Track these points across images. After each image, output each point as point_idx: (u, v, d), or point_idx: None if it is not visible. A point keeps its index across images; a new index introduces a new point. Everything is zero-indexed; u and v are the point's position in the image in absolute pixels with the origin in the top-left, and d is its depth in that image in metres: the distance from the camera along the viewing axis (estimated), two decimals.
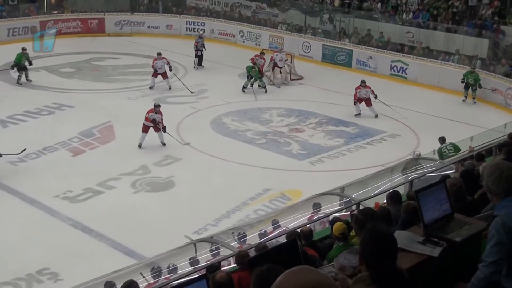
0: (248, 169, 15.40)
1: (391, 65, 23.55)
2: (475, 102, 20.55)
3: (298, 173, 15.26)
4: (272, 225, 10.09)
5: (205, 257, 8.54)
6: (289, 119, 19.00)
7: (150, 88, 21.44)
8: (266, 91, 21.34)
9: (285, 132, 17.93)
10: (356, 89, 19.33)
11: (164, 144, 16.55)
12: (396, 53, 23.71)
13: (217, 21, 29.24)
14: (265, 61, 22.49)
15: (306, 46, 26.15)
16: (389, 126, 18.56)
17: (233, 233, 9.72)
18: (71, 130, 17.39)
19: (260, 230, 10.05)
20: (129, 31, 29.56)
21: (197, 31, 28.78)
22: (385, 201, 8.43)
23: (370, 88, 19.21)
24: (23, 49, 21.85)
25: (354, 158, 16.28)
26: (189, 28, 29.50)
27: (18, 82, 21.64)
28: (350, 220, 7.52)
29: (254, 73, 21.37)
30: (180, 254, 8.77)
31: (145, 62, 23.95)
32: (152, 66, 21.50)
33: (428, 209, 4.38)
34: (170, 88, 21.49)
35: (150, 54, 23.56)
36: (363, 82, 19.36)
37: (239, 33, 28.36)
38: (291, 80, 22.98)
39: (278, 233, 9.25)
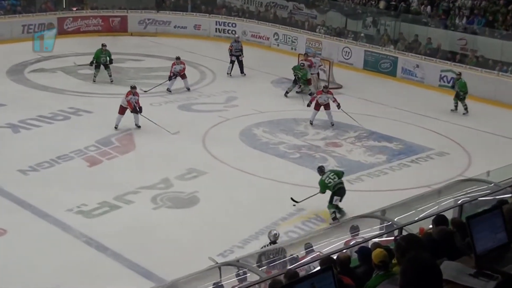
0: (279, 186, 15.39)
1: (440, 75, 23.40)
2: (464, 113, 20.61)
3: None
4: (305, 249, 10.03)
5: (230, 283, 8.52)
6: (326, 132, 18.97)
7: (168, 90, 21.97)
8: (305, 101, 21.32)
9: (321, 146, 17.90)
10: (317, 93, 19.70)
11: (139, 127, 18.10)
12: (446, 61, 23.57)
13: (249, 22, 29.39)
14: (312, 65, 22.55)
15: (347, 51, 26.14)
16: (437, 142, 18.43)
17: (261, 256, 9.70)
18: (87, 138, 17.56)
19: (292, 255, 10.00)
20: (154, 31, 29.87)
21: (228, 32, 29.00)
22: (431, 226, 8.34)
23: (332, 94, 19.49)
24: (103, 45, 22.65)
25: (397, 177, 16.18)
26: (219, 29, 29.71)
27: (94, 80, 22.51)
28: (391, 246, 7.45)
29: (302, 74, 21.49)
30: (203, 278, 8.76)
31: (170, 66, 24.08)
32: (171, 71, 22.02)
33: (481, 238, 4.31)
34: (188, 90, 22.09)
35: (175, 57, 23.68)
36: (325, 87, 19.75)
37: (274, 36, 28.46)
38: (330, 89, 22.88)
39: (311, 258, 9.19)
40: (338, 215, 13.89)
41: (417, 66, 24.03)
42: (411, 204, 10.54)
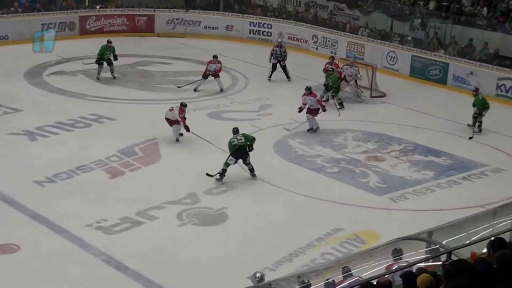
0: (316, 203, 15.37)
1: (497, 83, 23.22)
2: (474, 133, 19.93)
3: (375, 211, 15.16)
4: (343, 273, 9.99)
5: None
6: (367, 145, 18.92)
7: (195, 90, 22.66)
8: (339, 110, 21.38)
9: (361, 160, 17.85)
10: (302, 96, 19.93)
11: (181, 135, 18.44)
12: (505, 69, 23.37)
13: (286, 23, 29.44)
14: (340, 70, 22.52)
15: (392, 56, 26.03)
16: (493, 158, 18.28)
17: (298, 277, 9.68)
18: (109, 147, 17.71)
19: (328, 279, 9.96)
20: (183, 31, 30.10)
21: (262, 34, 29.06)
22: (485, 250, 8.24)
23: (316, 97, 19.59)
24: (109, 41, 23.43)
25: (446, 195, 16.06)
26: (253, 30, 29.82)
27: (97, 78, 23.17)
28: (439, 272, 7.39)
29: (332, 80, 21.55)
30: None
31: (200, 69, 24.19)
32: (206, 70, 22.67)
33: None
34: (222, 90, 22.67)
35: (206, 60, 23.87)
36: (307, 88, 19.74)
37: (312, 38, 28.47)
38: (372, 97, 22.93)
39: (349, 283, 9.16)
40: (221, 177, 16.07)
41: (471, 73, 23.82)
42: (461, 225, 10.43)
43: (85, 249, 13.16)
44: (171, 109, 18.22)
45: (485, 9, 25.99)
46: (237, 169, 16.80)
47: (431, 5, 27.48)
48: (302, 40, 28.75)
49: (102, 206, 14.73)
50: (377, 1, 29.23)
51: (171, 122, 18.36)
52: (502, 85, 23.09)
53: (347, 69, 22.93)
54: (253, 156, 17.43)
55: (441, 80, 24.43)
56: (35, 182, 15.68)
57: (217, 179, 16.22)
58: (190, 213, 14.66)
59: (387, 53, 26.17)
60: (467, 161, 18.04)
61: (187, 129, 18.01)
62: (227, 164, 16.18)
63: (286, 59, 24.49)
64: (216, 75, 22.74)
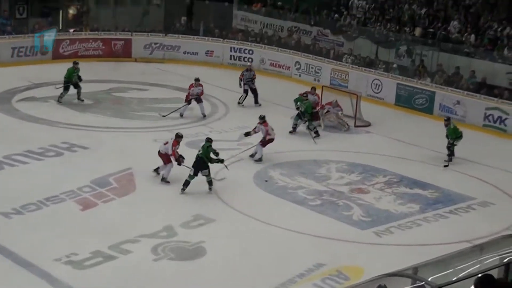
0: (297, 237, 15.27)
1: (485, 113, 23.37)
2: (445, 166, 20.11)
3: (359, 246, 15.07)
4: None
5: None
6: (351, 176, 18.89)
7: (181, 115, 22.77)
8: (314, 139, 21.46)
9: (345, 192, 17.80)
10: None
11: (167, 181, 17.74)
12: (492, 98, 23.52)
13: (268, 48, 29.55)
14: (319, 99, 22.53)
15: (377, 84, 26.15)
16: (480, 191, 18.32)
17: None
18: (82, 177, 17.54)
19: None
20: (161, 56, 30.15)
21: (243, 60, 29.07)
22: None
23: (267, 127, 19.69)
24: (75, 63, 23.48)
25: (433, 230, 16.03)
26: (233, 56, 29.89)
27: (59, 101, 23.22)
28: None
29: (306, 106, 21.57)
30: None
31: (178, 96, 24.21)
32: (188, 94, 22.90)
33: None
34: (204, 116, 22.93)
35: (185, 86, 23.84)
36: (261, 117, 19.90)
37: (295, 65, 28.57)
38: (356, 126, 22.93)
39: None
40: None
41: (458, 102, 23.96)
42: (448, 261, 10.38)
43: (53, 284, 12.92)
44: (166, 143, 17.75)
45: (472, 36, 26.14)
46: (215, 201, 16.72)
47: (417, 32, 27.70)
48: (284, 67, 28.84)
49: (72, 239, 14.53)
50: (362, 27, 29.41)
51: (165, 158, 17.71)
52: (490, 115, 23.22)
53: (329, 108, 22.88)
54: (232, 188, 17.39)
55: (427, 109, 24.55)
56: (1, 214, 15.43)
57: (182, 189, 17.01)
58: (166, 247, 14.48)
59: (372, 80, 26.28)
60: (454, 194, 18.04)
61: (179, 162, 17.50)
62: (190, 176, 17.01)
63: (254, 82, 24.80)
64: (198, 99, 22.91)
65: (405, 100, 25.27)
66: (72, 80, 23.23)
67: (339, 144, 21.36)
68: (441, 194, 18.04)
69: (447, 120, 20.43)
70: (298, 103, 21.84)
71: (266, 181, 18.27)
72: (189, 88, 22.99)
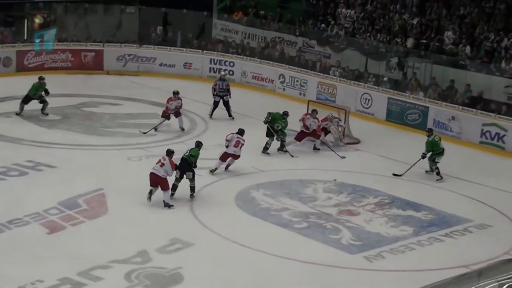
0: (282, 263, 15.20)
1: (482, 129, 23.46)
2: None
3: (348, 272, 15.01)
4: None
5: None
6: (339, 197, 18.87)
7: (155, 129, 22.91)
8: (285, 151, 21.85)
9: (333, 214, 17.76)
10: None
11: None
12: (490, 114, 23.58)
13: (250, 60, 29.62)
14: (319, 122, 22.45)
15: (366, 99, 26.22)
16: (477, 212, 18.34)
17: None
18: (48, 199, 17.39)
19: None
20: (135, 69, 30.14)
21: (229, 73, 29.03)
22: None
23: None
24: (41, 78, 23.41)
25: (427, 254, 15.99)
26: (213, 68, 29.93)
27: (18, 113, 23.16)
28: None
29: (283, 125, 21.81)
30: None
31: (154, 111, 24.16)
32: (166, 108, 22.96)
33: None
34: (183, 130, 23.17)
35: (161, 101, 23.79)
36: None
37: (279, 78, 28.61)
38: (345, 144, 22.91)
39: None
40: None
41: (453, 118, 24.04)
42: None
43: None
44: (162, 164, 17.46)
45: (468, 47, 26.18)
46: (193, 223, 16.65)
47: (409, 43, 27.74)
48: (267, 80, 28.87)
49: (38, 265, 14.35)
50: (350, 38, 29.44)
51: (164, 183, 17.46)
52: (487, 131, 23.29)
53: (326, 124, 22.85)
54: (212, 210, 17.34)
55: (421, 125, 24.53)
56: None
57: (171, 194, 17.70)
58: (140, 274, 14.33)
59: (361, 95, 26.35)
60: (449, 216, 18.02)
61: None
62: (176, 179, 17.87)
63: (229, 94, 25.03)
64: (177, 113, 23.01)
65: (396, 116, 25.33)
66: (35, 96, 23.21)
67: (327, 163, 21.33)
68: (435, 216, 18.02)
69: (429, 132, 20.47)
70: (278, 122, 21.82)
71: (335, 180, 19.79)
72: (167, 102, 23.02)
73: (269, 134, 21.86)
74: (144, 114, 24.59)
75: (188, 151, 18.13)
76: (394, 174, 20.33)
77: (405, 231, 17.07)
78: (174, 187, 17.79)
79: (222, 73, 26.79)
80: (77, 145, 21.50)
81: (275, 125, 21.76)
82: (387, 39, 28.56)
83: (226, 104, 24.97)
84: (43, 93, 23.36)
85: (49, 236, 15.78)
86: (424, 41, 27.53)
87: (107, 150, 21.31)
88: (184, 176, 17.77)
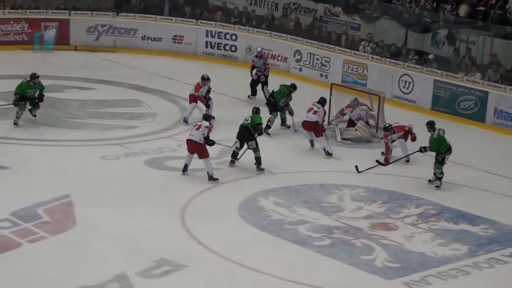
0: None
1: None
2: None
3: None
4: None
5: None
6: (371, 207, 18.88)
7: (185, 121, 23.51)
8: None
9: (364, 229, 17.76)
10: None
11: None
12: None
13: (258, 33, 29.64)
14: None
15: (406, 82, 26.24)
16: None
17: None
18: None
19: None
20: (111, 43, 30.34)
21: (224, 48, 29.11)
22: None
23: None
24: (33, 76, 22.79)
25: (487, 280, 15.95)
26: (210, 43, 29.96)
27: (15, 123, 22.67)
28: None
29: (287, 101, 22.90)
30: None
31: (135, 97, 24.09)
32: (200, 97, 23.51)
33: None
34: (186, 122, 23.53)
35: (145, 84, 23.77)
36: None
37: (294, 55, 28.59)
38: (381, 138, 22.82)
39: None
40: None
41: None
42: None
43: None
44: (199, 127, 19.64)
45: None
46: (186, 240, 16.64)
47: (462, 11, 27.65)
48: (279, 58, 28.95)
49: None
50: (385, 4, 29.41)
51: (195, 147, 19.64)
52: None
53: (351, 112, 23.03)
54: (209, 222, 17.35)
55: (477, 116, 24.66)
56: None
57: (231, 162, 20.61)
58: None
59: (399, 77, 26.42)
60: None
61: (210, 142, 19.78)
62: (236, 148, 20.48)
63: (267, 74, 25.43)
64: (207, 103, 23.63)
65: (445, 104, 25.37)
66: (27, 95, 22.56)
67: (356, 163, 21.28)
68: (497, 230, 17.97)
69: (431, 126, 20.33)
70: (283, 99, 22.92)
71: (358, 171, 20.71)
72: (196, 90, 23.42)
73: (273, 109, 22.92)
74: (122, 101, 24.64)
75: (250, 118, 20.29)
76: (377, 161, 21.08)
77: (458, 250, 17.02)
78: (235, 154, 20.50)
79: (259, 49, 26.69)
80: (36, 140, 21.63)
81: (280, 101, 22.84)
82: (434, 6, 28.51)
83: (263, 85, 25.63)
84: (36, 95, 22.89)
85: (1, 255, 15.72)
86: (482, 8, 27.43)
87: (75, 146, 21.43)
88: (246, 146, 20.20)
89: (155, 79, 23.99)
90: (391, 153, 21.30)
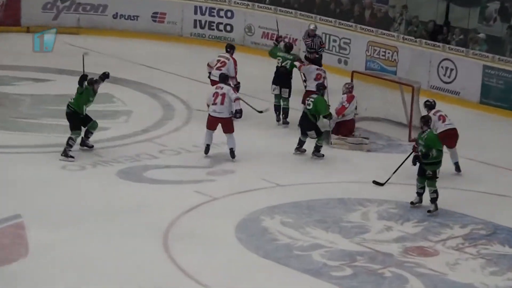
0: None
1: None
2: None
3: None
4: None
5: None
6: (404, 227, 18.87)
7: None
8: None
9: (395, 254, 17.71)
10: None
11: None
12: None
13: (258, 8, 29.83)
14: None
15: (447, 69, 26.33)
16: None
17: None
18: None
19: None
20: (74, 24, 30.59)
21: (218, 28, 29.16)
22: None
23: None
24: (105, 76, 22.58)
25: None
26: (200, 22, 30.07)
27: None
28: None
29: (290, 64, 23.79)
30: None
31: (105, 91, 24.10)
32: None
33: None
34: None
35: (117, 75, 23.91)
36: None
37: (305, 37, 28.48)
38: (411, 141, 22.77)
39: None
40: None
41: None
42: None
43: None
44: (223, 97, 21.10)
45: None
46: (169, 270, 16.60)
47: None
48: (288, 39, 28.81)
49: None
50: None
51: (228, 123, 21.51)
52: None
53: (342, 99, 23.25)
54: (198, 248, 17.31)
55: None
56: None
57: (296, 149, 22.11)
58: None
59: (438, 62, 26.49)
60: None
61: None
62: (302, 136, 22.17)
63: (321, 52, 26.15)
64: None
65: (498, 96, 25.44)
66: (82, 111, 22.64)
67: (382, 171, 21.32)
68: None
69: (425, 122, 19.90)
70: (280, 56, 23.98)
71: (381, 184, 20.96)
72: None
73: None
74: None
75: (311, 102, 21.62)
76: (374, 182, 20.98)
77: None
78: (301, 142, 22.06)
79: (312, 26, 26.80)
80: None
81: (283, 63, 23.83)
82: None
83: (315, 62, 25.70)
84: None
85: None
86: None
87: (28, 154, 21.47)
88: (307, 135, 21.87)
89: (131, 67, 23.90)
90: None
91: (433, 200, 19.59)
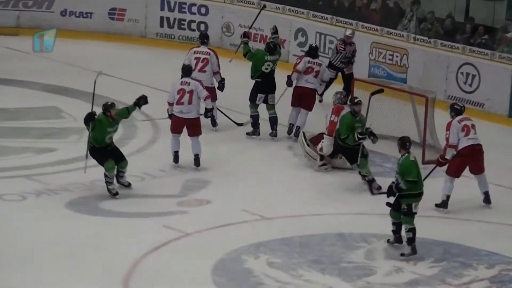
0: None
1: None
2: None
3: None
4: None
5: None
6: (417, 268, 18.84)
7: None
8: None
9: None
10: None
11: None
12: None
13: (239, 3, 30.13)
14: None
15: (469, 75, 26.30)
16: None
17: None
18: None
19: None
20: (13, 23, 30.79)
21: (189, 27, 29.31)
22: None
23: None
24: (110, 106, 22.34)
25: None
26: (169, 19, 30.11)
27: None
28: None
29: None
30: None
31: (52, 104, 24.14)
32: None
33: None
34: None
35: (66, 84, 23.87)
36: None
37: (296, 36, 28.93)
38: (425, 163, 22.80)
39: None
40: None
41: None
42: None
43: None
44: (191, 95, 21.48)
45: None
46: None
47: None
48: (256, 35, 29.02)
49: None
50: None
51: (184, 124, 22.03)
52: None
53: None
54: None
55: None
56: None
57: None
58: None
59: (458, 67, 26.45)
60: None
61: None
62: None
63: (353, 61, 26.75)
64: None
65: None
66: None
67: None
68: None
69: (403, 144, 19.83)
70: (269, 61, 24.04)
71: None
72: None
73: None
74: (32, 109, 24.63)
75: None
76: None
77: None
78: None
79: (348, 32, 27.05)
80: None
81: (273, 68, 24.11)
82: None
83: (347, 80, 26.08)
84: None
85: None
86: None
87: None
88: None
89: (82, 75, 23.82)
90: None
91: (410, 241, 19.33)
